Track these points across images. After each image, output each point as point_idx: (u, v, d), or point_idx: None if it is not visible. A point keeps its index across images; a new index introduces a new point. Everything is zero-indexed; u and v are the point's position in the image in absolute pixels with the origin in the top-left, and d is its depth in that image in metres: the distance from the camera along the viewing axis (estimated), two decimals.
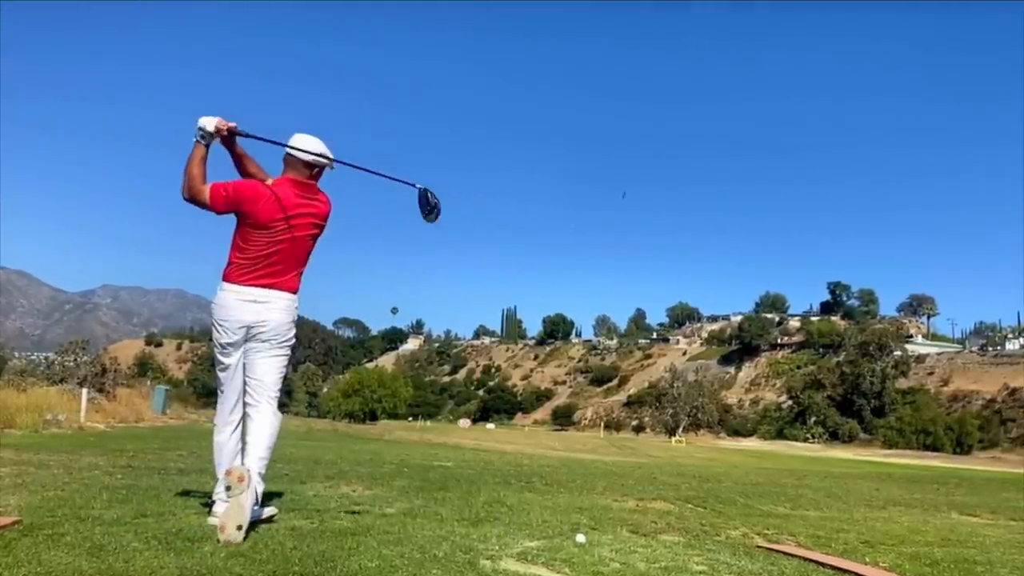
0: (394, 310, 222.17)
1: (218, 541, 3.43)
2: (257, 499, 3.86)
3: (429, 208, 4.44)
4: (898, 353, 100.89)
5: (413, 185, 4.45)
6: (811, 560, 3.81)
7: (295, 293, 4.25)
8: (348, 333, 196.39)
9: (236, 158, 4.38)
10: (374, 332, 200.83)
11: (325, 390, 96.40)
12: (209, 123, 4.13)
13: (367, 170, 4.54)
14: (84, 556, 2.98)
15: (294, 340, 4.30)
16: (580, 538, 4.02)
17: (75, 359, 25.51)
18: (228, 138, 4.29)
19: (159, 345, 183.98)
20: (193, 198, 4.02)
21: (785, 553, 4.04)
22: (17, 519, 3.68)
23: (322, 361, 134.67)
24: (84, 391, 19.90)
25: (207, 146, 4.11)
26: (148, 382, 40.50)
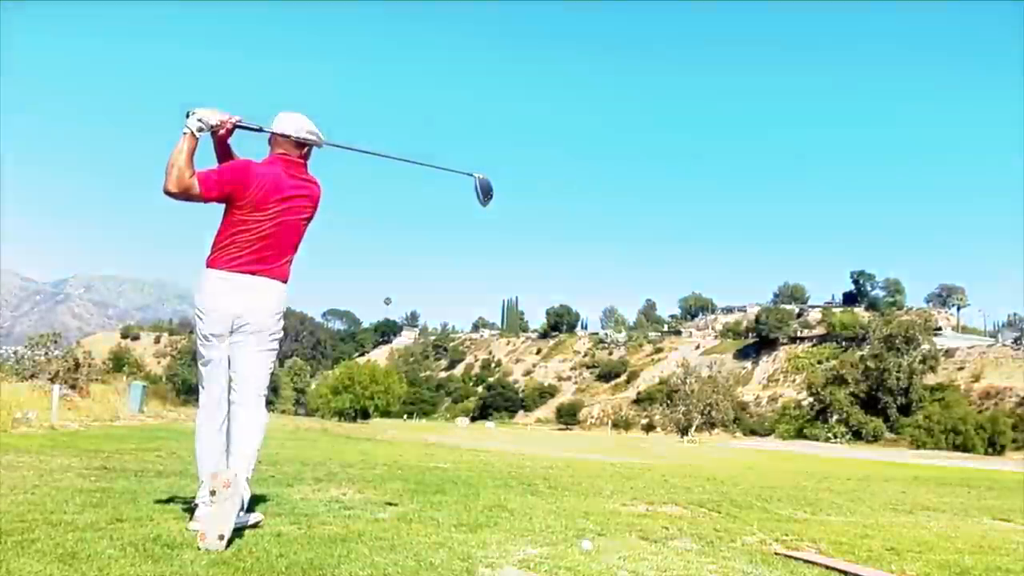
0: (387, 300, 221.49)
1: (198, 548, 3.43)
2: (243, 505, 3.85)
3: (485, 194, 4.60)
4: (926, 347, 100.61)
5: (470, 175, 4.57)
6: (833, 568, 3.81)
7: (286, 282, 4.23)
8: (338, 325, 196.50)
9: (224, 150, 4.36)
10: (366, 324, 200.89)
11: (313, 386, 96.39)
12: (212, 116, 4.08)
13: (422, 164, 4.68)
14: (55, 564, 2.99)
15: (282, 333, 4.29)
16: (586, 545, 4.03)
17: (46, 353, 25.52)
18: (227, 134, 4.27)
19: (136, 338, 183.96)
20: (182, 192, 3.91)
21: (805, 561, 4.04)
22: None
23: (310, 355, 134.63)
24: (55, 388, 19.89)
25: (198, 139, 4.02)
26: (124, 378, 40.53)
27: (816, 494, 9.52)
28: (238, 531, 3.75)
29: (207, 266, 4.15)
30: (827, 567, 3.85)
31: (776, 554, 4.32)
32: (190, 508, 4.23)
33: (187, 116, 4.02)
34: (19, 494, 5.00)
